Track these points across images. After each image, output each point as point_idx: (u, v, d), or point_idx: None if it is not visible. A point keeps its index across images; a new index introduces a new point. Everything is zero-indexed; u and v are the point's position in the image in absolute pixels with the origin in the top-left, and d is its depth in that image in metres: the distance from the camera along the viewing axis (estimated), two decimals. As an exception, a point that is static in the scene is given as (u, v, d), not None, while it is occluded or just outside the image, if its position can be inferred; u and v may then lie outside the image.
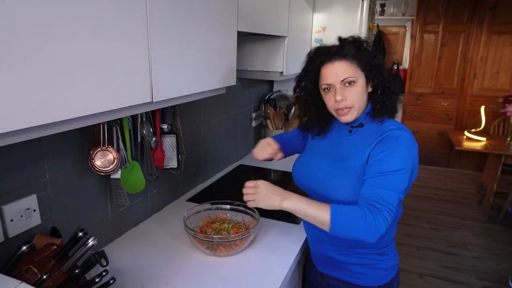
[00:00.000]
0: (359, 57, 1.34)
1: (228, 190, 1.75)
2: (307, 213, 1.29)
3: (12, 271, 1.05)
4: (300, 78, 1.48)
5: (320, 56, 1.38)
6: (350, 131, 1.43)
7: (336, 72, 1.33)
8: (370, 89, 1.39)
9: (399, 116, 6.31)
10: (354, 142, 1.40)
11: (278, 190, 1.36)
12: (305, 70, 1.44)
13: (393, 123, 1.36)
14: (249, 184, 1.40)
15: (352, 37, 1.40)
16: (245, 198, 1.40)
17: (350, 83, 1.33)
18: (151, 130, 1.68)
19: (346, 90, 1.33)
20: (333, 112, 1.40)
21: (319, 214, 1.26)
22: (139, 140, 1.64)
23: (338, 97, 1.33)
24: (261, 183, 1.37)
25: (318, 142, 1.55)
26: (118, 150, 1.50)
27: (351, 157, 1.35)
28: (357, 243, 1.39)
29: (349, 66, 1.32)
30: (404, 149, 1.27)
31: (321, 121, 1.51)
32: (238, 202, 1.71)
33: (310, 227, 1.52)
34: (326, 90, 1.38)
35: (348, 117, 1.36)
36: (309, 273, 1.70)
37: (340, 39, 1.40)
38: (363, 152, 1.32)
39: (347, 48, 1.34)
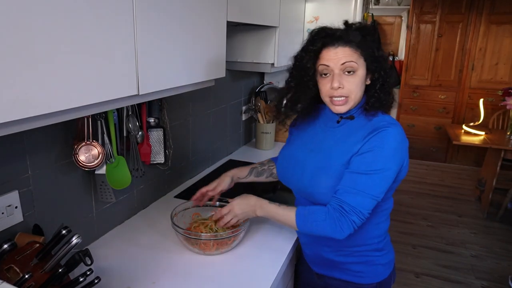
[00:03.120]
0: (364, 46, 1.29)
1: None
2: (276, 218, 1.40)
3: (-8, 271, 1.03)
4: (298, 57, 1.39)
5: (323, 37, 1.31)
6: (338, 122, 1.39)
7: (338, 56, 1.28)
8: (368, 82, 1.34)
9: (394, 109, 6.29)
10: (340, 135, 1.37)
11: (249, 203, 1.45)
12: (305, 49, 1.36)
13: (385, 118, 1.33)
14: (224, 211, 1.48)
15: (360, 23, 1.35)
16: (227, 225, 1.49)
17: (350, 72, 1.28)
18: (137, 124, 1.66)
19: (344, 78, 1.29)
20: (326, 99, 1.34)
21: (286, 217, 1.36)
22: (124, 135, 1.62)
23: (335, 84, 1.28)
24: (235, 205, 1.47)
25: (302, 134, 1.51)
26: (103, 144, 1.47)
27: (337, 156, 1.33)
28: (352, 241, 1.39)
29: (352, 53, 1.28)
30: (392, 148, 1.26)
31: (310, 108, 1.45)
32: (227, 199, 1.69)
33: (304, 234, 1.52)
34: (323, 75, 1.32)
35: (342, 108, 1.32)
36: (302, 274, 1.69)
37: (346, 23, 1.35)
38: (349, 149, 1.30)
39: (352, 35, 1.29)
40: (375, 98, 1.33)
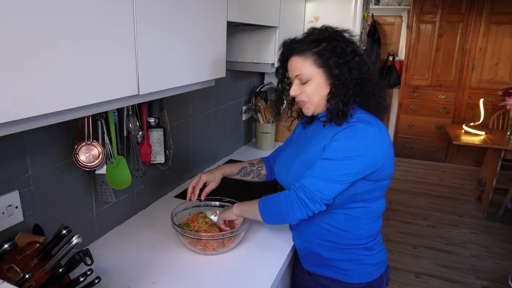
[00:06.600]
0: (319, 53, 1.32)
1: (217, 186, 1.75)
2: (248, 213, 1.47)
3: (-8, 271, 1.02)
4: (277, 69, 1.51)
5: (284, 51, 1.43)
6: (324, 125, 1.44)
7: (292, 67, 1.38)
8: (328, 88, 1.35)
9: (394, 109, 6.28)
10: (322, 136, 1.41)
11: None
12: (278, 61, 1.49)
13: (361, 116, 1.35)
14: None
15: (319, 30, 1.37)
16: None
17: (304, 82, 1.36)
18: (138, 124, 1.65)
19: (301, 86, 1.38)
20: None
21: (255, 210, 1.42)
22: (125, 135, 1.61)
23: (292, 92, 1.40)
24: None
25: (298, 136, 1.60)
26: (103, 144, 1.47)
27: (314, 151, 1.38)
28: (339, 237, 1.41)
29: (302, 62, 1.35)
30: (357, 141, 1.28)
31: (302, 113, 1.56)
32: (228, 199, 1.70)
33: (294, 225, 1.54)
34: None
35: (305, 110, 1.42)
36: (295, 273, 1.70)
37: (309, 31, 1.40)
38: (324, 142, 1.35)
39: (304, 45, 1.34)
40: (333, 112, 1.35)
